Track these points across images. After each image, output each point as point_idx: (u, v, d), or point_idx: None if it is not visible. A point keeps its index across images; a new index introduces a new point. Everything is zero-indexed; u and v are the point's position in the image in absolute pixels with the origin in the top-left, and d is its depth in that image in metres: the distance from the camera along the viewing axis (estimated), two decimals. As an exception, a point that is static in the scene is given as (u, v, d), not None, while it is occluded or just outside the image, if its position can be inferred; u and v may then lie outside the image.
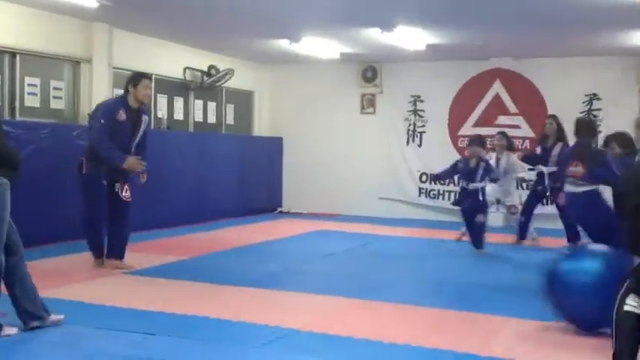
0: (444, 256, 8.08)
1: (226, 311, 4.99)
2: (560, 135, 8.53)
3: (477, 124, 11.40)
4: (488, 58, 11.27)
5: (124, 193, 6.55)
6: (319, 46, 10.28)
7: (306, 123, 12.71)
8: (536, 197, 8.90)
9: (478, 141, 8.31)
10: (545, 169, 8.55)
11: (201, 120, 11.45)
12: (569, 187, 6.66)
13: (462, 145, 11.04)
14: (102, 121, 6.37)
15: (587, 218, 6.55)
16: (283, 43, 10.26)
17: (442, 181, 11.23)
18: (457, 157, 10.06)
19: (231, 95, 12.13)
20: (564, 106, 10.81)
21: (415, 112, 12.04)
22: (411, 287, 6.33)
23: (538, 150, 8.85)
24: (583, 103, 10.85)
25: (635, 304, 3.34)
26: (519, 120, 11.28)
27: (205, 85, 11.07)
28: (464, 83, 11.68)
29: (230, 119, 12.26)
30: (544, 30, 8.98)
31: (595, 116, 10.56)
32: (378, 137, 12.23)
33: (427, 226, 10.73)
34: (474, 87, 11.62)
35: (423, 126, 11.92)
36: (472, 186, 7.98)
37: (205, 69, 11.09)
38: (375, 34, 9.26)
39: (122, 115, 6.40)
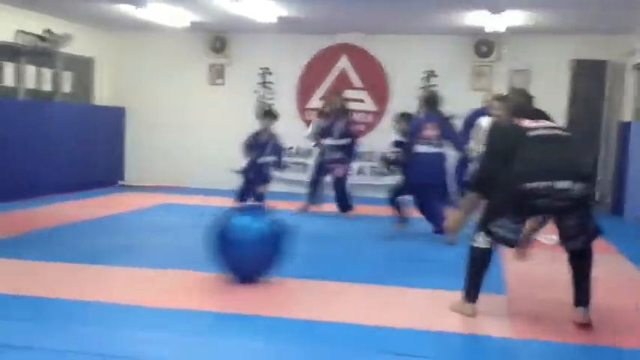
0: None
1: (66, 290, 4.73)
2: (344, 111, 9.33)
3: (323, 98, 11.59)
4: (335, 33, 11.47)
5: None
6: (166, 13, 9.90)
7: (152, 93, 12.29)
8: (320, 168, 9.39)
9: (269, 114, 8.65)
10: (328, 142, 9.19)
11: (34, 87, 10.64)
12: (423, 148, 7.31)
13: (309, 118, 11.18)
14: None
15: (436, 176, 7.34)
16: (127, 9, 9.77)
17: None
18: (305, 129, 10.20)
19: (68, 61, 11.38)
20: (406, 81, 11.35)
21: (264, 84, 12.04)
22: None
23: (321, 122, 9.36)
24: (422, 79, 11.39)
25: (483, 240, 4.21)
26: (364, 94, 11.64)
27: (39, 50, 10.31)
28: (312, 57, 11.82)
29: (67, 87, 11.52)
30: (388, 7, 9.26)
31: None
32: (226, 109, 12.08)
33: (275, 198, 10.78)
34: (321, 61, 11.79)
35: (272, 98, 11.92)
36: (261, 160, 8.36)
37: (40, 33, 10.32)
38: (223, 3, 9.07)
39: None
